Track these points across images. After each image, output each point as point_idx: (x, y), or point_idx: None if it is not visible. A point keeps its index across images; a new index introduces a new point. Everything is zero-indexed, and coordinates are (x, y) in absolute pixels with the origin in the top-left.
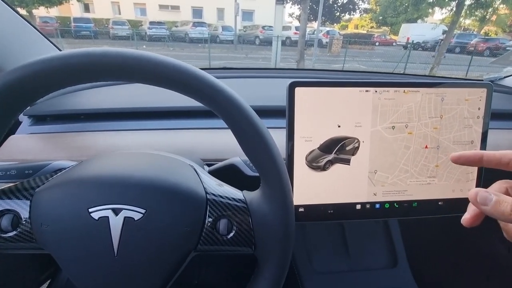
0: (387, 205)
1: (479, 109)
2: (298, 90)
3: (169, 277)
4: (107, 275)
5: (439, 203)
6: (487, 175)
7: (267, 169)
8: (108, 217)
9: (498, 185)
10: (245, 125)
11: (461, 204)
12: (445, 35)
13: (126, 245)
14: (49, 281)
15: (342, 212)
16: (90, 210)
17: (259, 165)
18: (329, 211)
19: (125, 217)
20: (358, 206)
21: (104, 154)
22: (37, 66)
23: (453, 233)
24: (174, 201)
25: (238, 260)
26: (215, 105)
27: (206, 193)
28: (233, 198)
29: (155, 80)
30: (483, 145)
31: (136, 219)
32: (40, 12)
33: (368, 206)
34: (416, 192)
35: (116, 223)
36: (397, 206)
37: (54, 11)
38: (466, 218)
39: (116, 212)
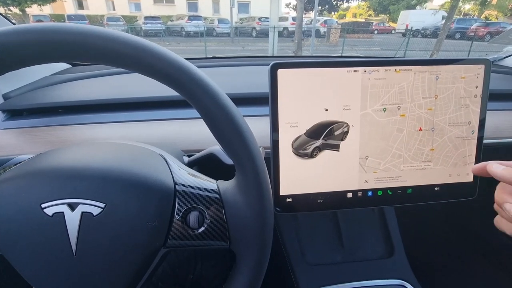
0: (380, 193)
1: (476, 87)
2: (281, 72)
3: (136, 277)
4: (66, 277)
5: (435, 188)
6: (485, 159)
7: (240, 156)
8: (63, 212)
9: None
10: (213, 107)
11: (458, 189)
12: (444, 20)
13: (85, 244)
14: None
15: (332, 201)
16: (43, 205)
17: (231, 151)
18: (318, 201)
19: (82, 212)
20: (349, 195)
21: (63, 146)
22: None
23: (451, 220)
24: (137, 193)
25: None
26: (179, 87)
27: (175, 183)
28: (204, 189)
29: (102, 57)
30: (482, 126)
31: (94, 214)
32: (34, 10)
33: (359, 194)
34: (411, 177)
35: (72, 219)
36: (390, 193)
37: (47, 9)
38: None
39: (72, 207)
